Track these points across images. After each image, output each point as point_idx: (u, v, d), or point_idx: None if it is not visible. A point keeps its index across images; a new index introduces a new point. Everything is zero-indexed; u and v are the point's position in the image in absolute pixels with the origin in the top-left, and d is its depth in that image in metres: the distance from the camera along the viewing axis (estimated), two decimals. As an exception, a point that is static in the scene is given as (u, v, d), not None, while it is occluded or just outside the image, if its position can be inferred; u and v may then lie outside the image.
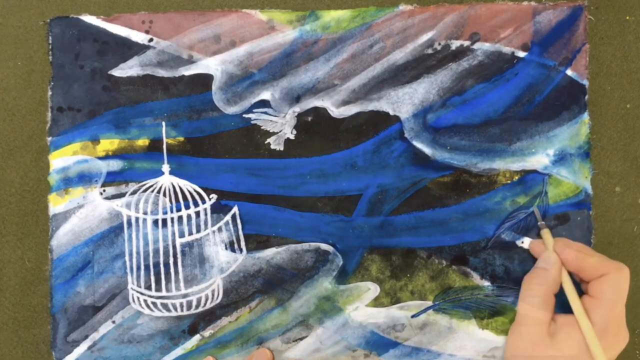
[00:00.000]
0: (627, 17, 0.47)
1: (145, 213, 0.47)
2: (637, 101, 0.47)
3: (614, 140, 0.47)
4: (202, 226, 0.47)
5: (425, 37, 0.46)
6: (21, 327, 0.48)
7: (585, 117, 0.46)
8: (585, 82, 0.46)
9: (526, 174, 0.46)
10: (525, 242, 0.46)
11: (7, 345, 0.48)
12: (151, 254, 0.47)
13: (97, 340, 0.47)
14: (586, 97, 0.46)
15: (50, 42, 0.47)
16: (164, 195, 0.47)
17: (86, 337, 0.47)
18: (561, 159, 0.46)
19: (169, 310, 0.46)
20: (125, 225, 0.47)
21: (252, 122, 0.47)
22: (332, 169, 0.47)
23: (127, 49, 0.47)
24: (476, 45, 0.46)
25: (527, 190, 0.46)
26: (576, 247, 0.43)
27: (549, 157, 0.46)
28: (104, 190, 0.47)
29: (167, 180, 0.47)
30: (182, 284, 0.46)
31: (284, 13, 0.47)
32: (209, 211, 0.47)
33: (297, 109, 0.47)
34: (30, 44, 0.48)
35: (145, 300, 0.46)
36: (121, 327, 0.47)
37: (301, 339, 0.46)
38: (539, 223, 0.45)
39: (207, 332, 0.46)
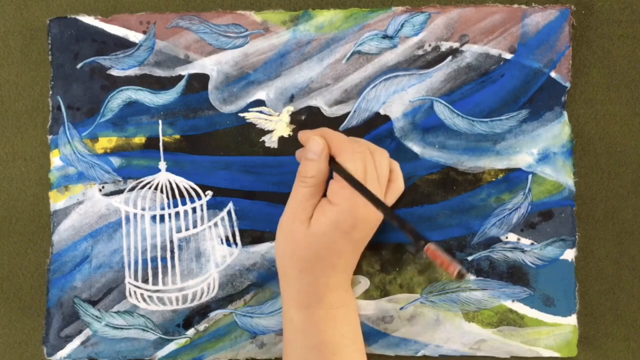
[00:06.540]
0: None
1: (143, 209, 0.47)
2: (617, 101, 0.48)
3: (596, 138, 0.48)
4: (199, 222, 0.47)
5: (415, 39, 0.47)
6: (13, 322, 0.48)
7: (567, 117, 0.47)
8: (568, 84, 0.47)
9: (510, 172, 0.47)
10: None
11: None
12: (149, 249, 0.47)
13: (90, 335, 0.47)
14: (563, 98, 0.47)
15: (49, 42, 0.48)
16: (161, 191, 0.47)
17: (80, 331, 0.47)
18: (545, 157, 0.47)
19: (164, 303, 0.47)
20: (124, 221, 0.47)
21: (247, 120, 0.48)
22: (324, 166, 0.47)
23: (125, 49, 0.47)
24: (465, 47, 0.47)
25: (512, 187, 0.47)
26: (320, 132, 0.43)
27: (533, 155, 0.47)
28: (103, 187, 0.47)
29: (164, 177, 0.47)
30: (178, 278, 0.47)
31: (277, 14, 0.47)
32: (205, 207, 0.47)
33: (291, 108, 0.47)
34: (30, 44, 0.49)
35: (141, 294, 0.47)
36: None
37: (294, 330, 0.47)
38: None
39: (201, 326, 0.47)
